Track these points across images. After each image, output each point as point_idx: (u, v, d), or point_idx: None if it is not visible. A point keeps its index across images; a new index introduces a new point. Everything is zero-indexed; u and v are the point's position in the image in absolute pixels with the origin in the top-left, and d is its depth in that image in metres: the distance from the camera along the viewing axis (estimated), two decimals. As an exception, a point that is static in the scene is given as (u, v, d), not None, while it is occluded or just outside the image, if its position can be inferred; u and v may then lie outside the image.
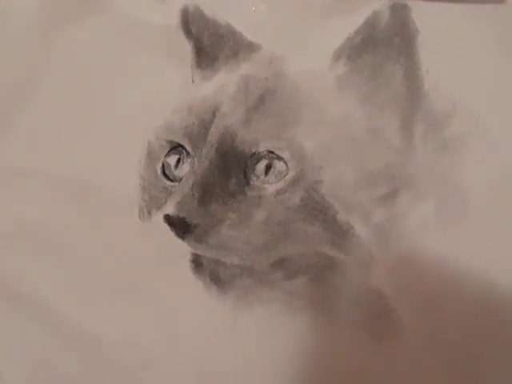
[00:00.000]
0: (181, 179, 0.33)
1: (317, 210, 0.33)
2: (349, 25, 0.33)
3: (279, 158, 0.33)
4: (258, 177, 0.33)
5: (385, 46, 0.33)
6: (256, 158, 0.33)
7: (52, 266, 0.35)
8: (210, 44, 0.33)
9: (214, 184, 0.33)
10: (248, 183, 0.33)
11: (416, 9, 0.32)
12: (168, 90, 0.33)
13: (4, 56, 0.33)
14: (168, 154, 0.33)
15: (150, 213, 0.34)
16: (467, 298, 0.34)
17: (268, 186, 0.33)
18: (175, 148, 0.33)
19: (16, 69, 0.34)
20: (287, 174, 0.33)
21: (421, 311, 0.34)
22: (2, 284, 0.35)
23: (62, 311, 0.35)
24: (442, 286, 0.34)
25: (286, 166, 0.33)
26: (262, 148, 0.33)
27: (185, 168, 0.33)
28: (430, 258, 0.34)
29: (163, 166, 0.33)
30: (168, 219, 0.33)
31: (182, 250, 0.33)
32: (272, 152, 0.33)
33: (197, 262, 0.34)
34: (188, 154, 0.33)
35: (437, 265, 0.34)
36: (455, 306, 0.34)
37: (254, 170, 0.33)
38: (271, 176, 0.33)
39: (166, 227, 0.33)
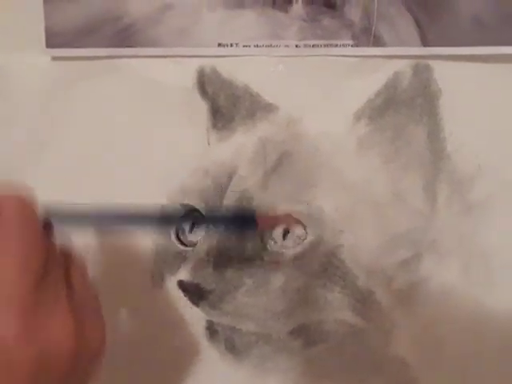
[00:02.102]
0: (195, 244, 0.32)
1: (337, 275, 0.32)
2: (369, 85, 0.32)
3: (297, 222, 0.32)
4: (275, 241, 0.32)
5: (407, 107, 0.32)
6: (274, 222, 0.32)
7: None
8: (226, 105, 0.32)
9: (229, 249, 0.32)
10: (265, 248, 0.32)
11: (438, 69, 0.32)
12: (183, 152, 0.32)
13: (12, 119, 0.33)
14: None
15: (162, 279, 0.33)
16: (497, 367, 0.32)
17: (286, 250, 0.32)
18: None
19: (27, 129, 0.33)
20: (306, 239, 0.32)
21: (445, 381, 0.33)
22: None
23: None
24: (468, 354, 0.33)
25: (305, 230, 0.32)
26: (280, 212, 0.32)
27: (199, 233, 0.32)
28: (454, 324, 0.33)
29: (177, 230, 0.32)
30: (182, 285, 0.32)
31: (197, 316, 0.32)
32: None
33: (212, 330, 0.33)
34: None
35: (462, 331, 0.33)
36: (483, 378, 0.32)
37: (271, 234, 0.32)
38: (289, 240, 0.32)
39: (180, 293, 0.32)
